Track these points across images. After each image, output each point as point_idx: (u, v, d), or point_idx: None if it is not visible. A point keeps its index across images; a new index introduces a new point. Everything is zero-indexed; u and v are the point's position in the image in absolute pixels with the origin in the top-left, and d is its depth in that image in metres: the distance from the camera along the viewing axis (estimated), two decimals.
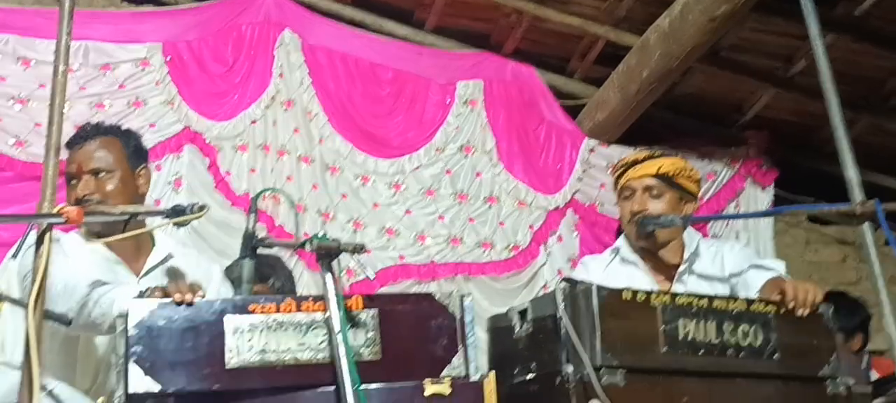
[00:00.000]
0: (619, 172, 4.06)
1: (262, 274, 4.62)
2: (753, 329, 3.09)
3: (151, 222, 3.62)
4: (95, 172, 3.54)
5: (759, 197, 7.67)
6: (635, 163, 4.02)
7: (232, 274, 3.74)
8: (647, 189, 3.95)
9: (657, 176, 3.96)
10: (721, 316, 3.06)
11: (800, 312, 3.20)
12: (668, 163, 3.99)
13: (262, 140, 6.53)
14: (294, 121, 6.66)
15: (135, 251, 3.61)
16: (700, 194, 4.21)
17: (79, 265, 3.37)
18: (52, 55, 2.99)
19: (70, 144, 3.58)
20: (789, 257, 7.59)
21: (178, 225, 3.43)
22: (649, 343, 2.94)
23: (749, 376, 3.06)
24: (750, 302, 3.16)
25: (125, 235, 3.32)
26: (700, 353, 2.99)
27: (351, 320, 2.79)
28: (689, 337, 2.99)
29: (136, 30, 6.45)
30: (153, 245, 3.66)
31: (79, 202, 3.43)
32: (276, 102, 6.62)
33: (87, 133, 3.64)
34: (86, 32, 6.15)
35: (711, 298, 3.13)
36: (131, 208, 3.38)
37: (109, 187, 3.54)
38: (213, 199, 6.17)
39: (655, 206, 3.93)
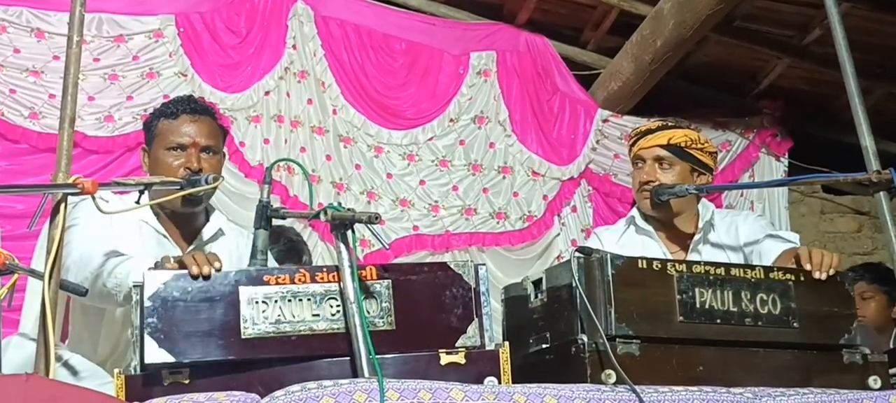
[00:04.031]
0: (632, 141, 4.05)
1: (298, 254, 4.64)
2: (772, 297, 3.08)
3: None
4: (207, 149, 3.55)
5: (774, 166, 7.67)
6: (647, 132, 4.00)
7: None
8: (658, 159, 3.93)
9: (668, 146, 3.93)
10: (739, 285, 3.05)
11: (817, 275, 3.19)
12: (680, 134, 3.95)
13: (275, 111, 6.55)
14: (307, 93, 6.68)
15: (186, 226, 3.62)
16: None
17: (124, 233, 3.38)
18: (65, 27, 3.00)
19: (182, 112, 3.57)
20: (804, 227, 7.59)
21: (192, 195, 3.43)
22: (665, 313, 2.93)
23: (767, 345, 3.05)
24: (768, 269, 3.15)
25: (180, 193, 3.31)
26: (717, 322, 2.99)
27: (365, 290, 2.79)
28: (707, 306, 2.99)
29: (149, 1, 6.46)
30: (206, 220, 3.67)
31: (192, 172, 3.45)
32: (290, 73, 6.65)
33: (202, 108, 3.65)
34: (99, 4, 6.17)
35: (729, 266, 3.11)
36: (146, 179, 3.38)
37: (214, 167, 3.55)
38: (227, 170, 6.16)
39: (665, 177, 3.90)
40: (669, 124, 4.08)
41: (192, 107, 3.61)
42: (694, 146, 3.95)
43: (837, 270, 3.25)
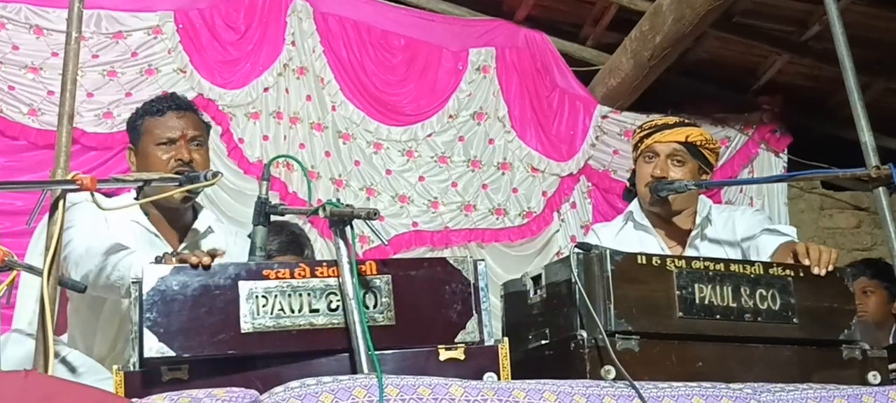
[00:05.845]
0: (645, 134, 4.00)
1: (300, 248, 4.62)
2: (771, 292, 3.07)
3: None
4: (195, 141, 3.59)
5: (773, 162, 7.66)
6: (665, 127, 3.97)
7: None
8: (672, 155, 3.90)
9: (684, 143, 3.91)
10: (738, 280, 3.04)
11: (816, 271, 3.18)
12: (696, 133, 3.95)
13: (274, 107, 6.55)
14: (306, 89, 6.68)
15: (176, 223, 3.63)
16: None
17: (118, 233, 3.39)
18: (64, 23, 2.99)
19: (167, 108, 3.62)
20: (803, 223, 7.58)
21: (191, 192, 3.43)
22: (664, 308, 2.92)
23: (766, 340, 3.04)
24: (768, 265, 3.14)
25: (180, 189, 3.32)
26: (716, 317, 2.98)
27: (365, 285, 2.79)
28: (706, 302, 2.98)
29: None
30: (195, 218, 3.68)
31: (183, 162, 3.50)
32: (289, 70, 6.65)
33: (186, 103, 3.73)
34: (98, 1, 6.17)
35: (728, 262, 3.11)
36: (145, 175, 3.38)
37: (203, 158, 3.61)
38: (225, 166, 6.19)
39: (677, 173, 3.89)
40: (686, 121, 4.07)
41: (177, 103, 3.68)
42: (706, 145, 3.95)
43: (836, 265, 3.24)
